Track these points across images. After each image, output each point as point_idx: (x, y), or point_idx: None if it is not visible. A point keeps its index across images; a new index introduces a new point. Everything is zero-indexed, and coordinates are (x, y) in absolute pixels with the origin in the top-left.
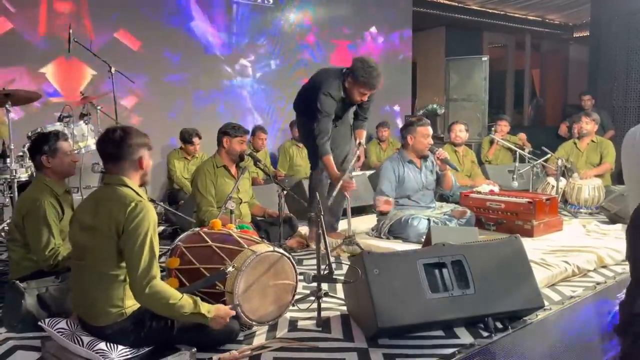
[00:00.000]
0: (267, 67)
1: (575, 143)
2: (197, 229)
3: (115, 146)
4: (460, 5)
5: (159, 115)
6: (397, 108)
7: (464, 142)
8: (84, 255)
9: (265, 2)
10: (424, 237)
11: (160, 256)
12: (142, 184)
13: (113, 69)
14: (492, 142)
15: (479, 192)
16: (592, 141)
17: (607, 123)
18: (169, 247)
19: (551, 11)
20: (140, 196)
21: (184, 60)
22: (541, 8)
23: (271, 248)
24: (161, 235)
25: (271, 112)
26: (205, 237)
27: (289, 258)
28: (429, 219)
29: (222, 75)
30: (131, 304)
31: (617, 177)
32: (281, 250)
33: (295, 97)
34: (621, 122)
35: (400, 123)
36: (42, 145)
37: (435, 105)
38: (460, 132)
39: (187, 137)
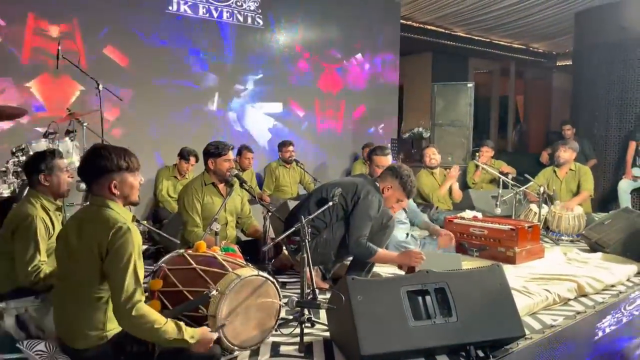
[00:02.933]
0: (255, 88)
1: (555, 171)
2: (182, 250)
3: (83, 169)
4: (447, 31)
5: (144, 133)
6: (382, 130)
7: (438, 165)
8: (66, 275)
9: (255, 23)
10: (404, 247)
11: (144, 277)
12: (129, 204)
13: (101, 86)
14: (477, 167)
15: (463, 218)
16: (571, 169)
17: (589, 152)
18: (152, 268)
19: (535, 40)
20: (125, 218)
21: (172, 79)
22: (526, 36)
23: (255, 272)
24: (144, 255)
25: (258, 132)
26: (190, 259)
27: (273, 282)
28: (407, 234)
29: (210, 94)
30: (112, 327)
31: (598, 204)
32: (265, 275)
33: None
34: (602, 152)
35: (387, 144)
36: (39, 163)
37: (421, 129)
38: (434, 155)
39: (185, 154)
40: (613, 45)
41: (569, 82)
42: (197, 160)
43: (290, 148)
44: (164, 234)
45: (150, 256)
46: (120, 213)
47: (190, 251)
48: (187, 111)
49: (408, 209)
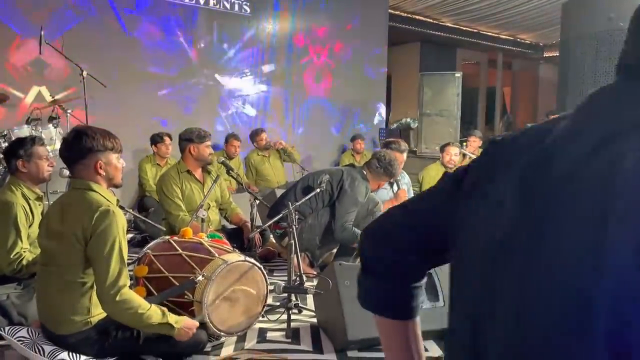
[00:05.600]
0: (242, 76)
1: None
2: (167, 237)
3: (68, 149)
4: (435, 22)
5: (130, 119)
6: (370, 121)
7: (455, 167)
8: (50, 261)
9: (242, 11)
10: None
11: (128, 264)
12: (113, 187)
13: (85, 73)
14: (464, 155)
15: None
16: None
17: None
18: (137, 256)
19: (523, 31)
20: (109, 201)
21: (158, 66)
22: (513, 27)
23: (242, 257)
24: (130, 243)
25: (244, 121)
26: (176, 245)
27: (259, 268)
28: None
29: (196, 82)
30: (97, 313)
31: None
32: (252, 260)
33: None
34: None
35: (374, 135)
36: (18, 149)
37: (409, 119)
38: (455, 157)
39: (157, 138)
40: (599, 36)
41: (555, 73)
42: (171, 139)
43: (264, 135)
44: (149, 221)
45: (136, 244)
46: (104, 196)
47: (176, 237)
48: (173, 98)
49: None
